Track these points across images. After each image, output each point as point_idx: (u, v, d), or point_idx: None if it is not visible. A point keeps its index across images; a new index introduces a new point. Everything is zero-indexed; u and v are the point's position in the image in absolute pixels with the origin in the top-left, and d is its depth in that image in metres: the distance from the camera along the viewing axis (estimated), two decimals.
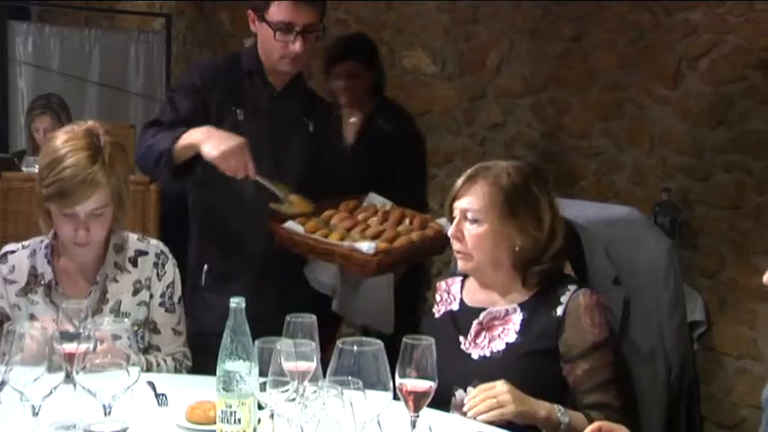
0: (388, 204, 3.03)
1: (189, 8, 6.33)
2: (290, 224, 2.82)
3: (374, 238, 2.76)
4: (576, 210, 2.46)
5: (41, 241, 2.48)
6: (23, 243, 2.51)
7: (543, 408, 2.04)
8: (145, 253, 2.51)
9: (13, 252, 2.49)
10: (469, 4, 4.69)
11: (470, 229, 2.22)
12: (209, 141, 2.67)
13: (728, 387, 3.96)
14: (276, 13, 2.83)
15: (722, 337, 3.95)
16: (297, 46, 2.83)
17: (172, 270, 2.53)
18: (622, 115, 4.23)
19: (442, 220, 2.82)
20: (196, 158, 2.71)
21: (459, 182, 2.26)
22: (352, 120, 3.90)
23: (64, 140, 2.34)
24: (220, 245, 2.91)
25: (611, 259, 2.36)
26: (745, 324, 3.90)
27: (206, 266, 2.92)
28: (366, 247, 2.68)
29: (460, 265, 2.28)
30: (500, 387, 2.04)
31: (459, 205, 2.24)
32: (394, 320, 3.03)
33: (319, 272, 2.94)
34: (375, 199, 3.07)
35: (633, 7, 4.14)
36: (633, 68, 4.17)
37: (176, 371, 2.47)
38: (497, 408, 2.00)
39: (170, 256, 2.54)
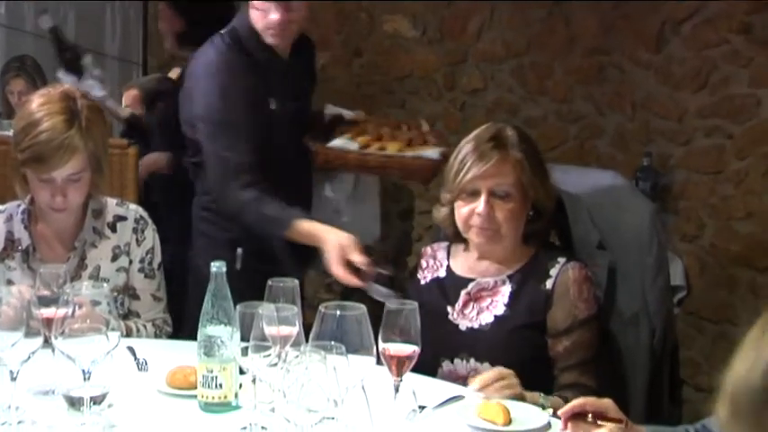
0: (359, 113, 3.17)
1: None
2: (338, 142, 2.88)
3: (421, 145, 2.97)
4: (558, 175, 2.44)
5: (18, 206, 2.44)
6: None
7: (528, 394, 2.03)
8: (124, 218, 2.47)
9: None
10: None
11: (503, 206, 2.16)
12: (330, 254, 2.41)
13: (707, 351, 3.99)
14: None
15: (702, 301, 3.97)
16: (275, 15, 2.61)
17: (151, 235, 2.49)
18: (604, 80, 4.22)
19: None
20: None
21: (483, 162, 2.15)
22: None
23: (40, 104, 2.29)
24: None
25: (594, 224, 2.35)
26: (725, 289, 3.93)
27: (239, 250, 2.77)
28: (435, 153, 2.84)
29: (483, 242, 2.20)
30: (505, 370, 2.01)
31: (487, 184, 2.15)
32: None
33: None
34: (333, 110, 3.14)
35: None
36: (616, 32, 4.16)
37: (156, 336, 2.45)
38: (508, 389, 1.98)
39: (149, 221, 2.51)
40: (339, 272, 2.37)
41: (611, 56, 4.18)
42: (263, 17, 2.63)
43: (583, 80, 4.28)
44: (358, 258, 2.36)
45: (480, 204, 2.15)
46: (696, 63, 3.92)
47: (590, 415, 1.75)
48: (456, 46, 4.67)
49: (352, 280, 2.34)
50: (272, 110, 2.73)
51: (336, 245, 2.39)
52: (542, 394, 2.03)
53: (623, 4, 4.11)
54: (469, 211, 2.17)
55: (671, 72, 4.00)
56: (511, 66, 4.51)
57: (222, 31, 2.75)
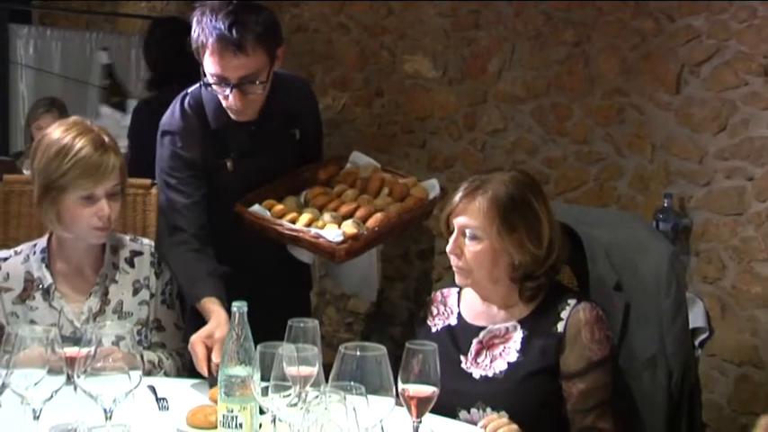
0: (371, 167, 2.88)
1: (190, 12, 6.33)
2: (256, 208, 2.68)
3: (346, 217, 2.63)
4: (577, 215, 2.46)
5: (34, 245, 2.48)
6: (15, 249, 2.50)
7: None
8: (140, 253, 2.53)
9: (5, 259, 2.48)
10: (471, 9, 4.68)
11: (469, 246, 2.17)
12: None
13: (729, 394, 3.96)
14: (208, 64, 2.56)
15: (723, 343, 3.95)
16: (232, 101, 2.58)
17: (167, 267, 2.56)
18: (624, 121, 4.22)
19: (428, 183, 2.82)
20: None
21: (457, 197, 2.20)
22: None
23: (62, 131, 2.37)
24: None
25: (612, 265, 2.35)
26: (747, 331, 3.90)
27: None
28: (332, 235, 2.54)
29: (458, 280, 2.24)
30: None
31: (458, 221, 2.18)
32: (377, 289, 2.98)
33: (297, 251, 2.83)
34: (359, 159, 2.93)
35: (635, 13, 4.14)
36: (635, 74, 4.17)
37: (181, 363, 2.50)
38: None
39: None
40: (196, 346, 2.27)
41: (631, 97, 4.19)
42: (224, 99, 2.61)
43: (602, 121, 4.29)
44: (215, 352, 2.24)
45: (450, 241, 2.20)
46: (716, 105, 3.93)
47: None
48: (476, 86, 4.70)
49: (199, 362, 2.26)
50: (228, 171, 2.72)
51: (208, 328, 2.32)
52: None
53: (642, 46, 4.13)
54: (449, 247, 2.21)
55: (690, 113, 4.01)
56: (531, 106, 4.53)
57: (189, 91, 2.77)
